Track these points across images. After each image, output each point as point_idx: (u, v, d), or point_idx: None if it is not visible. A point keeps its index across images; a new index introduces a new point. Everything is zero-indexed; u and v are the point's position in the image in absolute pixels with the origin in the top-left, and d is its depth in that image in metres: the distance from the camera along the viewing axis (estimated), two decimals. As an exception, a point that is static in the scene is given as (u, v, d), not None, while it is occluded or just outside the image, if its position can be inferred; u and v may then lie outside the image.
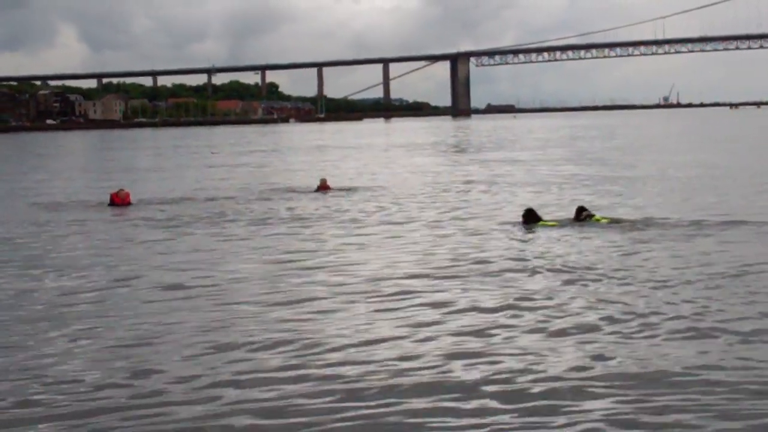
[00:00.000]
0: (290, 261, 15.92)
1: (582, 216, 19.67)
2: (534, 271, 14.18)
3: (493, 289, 13.00)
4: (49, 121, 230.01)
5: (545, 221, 19.58)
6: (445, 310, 11.76)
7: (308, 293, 12.97)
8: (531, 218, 19.60)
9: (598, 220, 19.44)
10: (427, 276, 14.12)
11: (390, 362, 9.45)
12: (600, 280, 13.38)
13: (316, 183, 30.82)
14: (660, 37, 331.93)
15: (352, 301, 12.40)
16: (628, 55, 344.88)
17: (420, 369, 9.19)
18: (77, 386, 8.91)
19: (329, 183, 30.53)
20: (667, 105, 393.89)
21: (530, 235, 18.31)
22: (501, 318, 11.23)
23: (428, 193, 29.19)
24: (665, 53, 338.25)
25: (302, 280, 14.02)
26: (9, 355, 10.10)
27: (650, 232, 18.18)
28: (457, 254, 16.09)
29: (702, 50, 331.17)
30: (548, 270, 14.26)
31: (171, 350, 10.13)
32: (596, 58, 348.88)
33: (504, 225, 19.98)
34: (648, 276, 13.58)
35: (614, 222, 19.43)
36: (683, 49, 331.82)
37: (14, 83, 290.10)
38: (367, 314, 11.65)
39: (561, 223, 19.44)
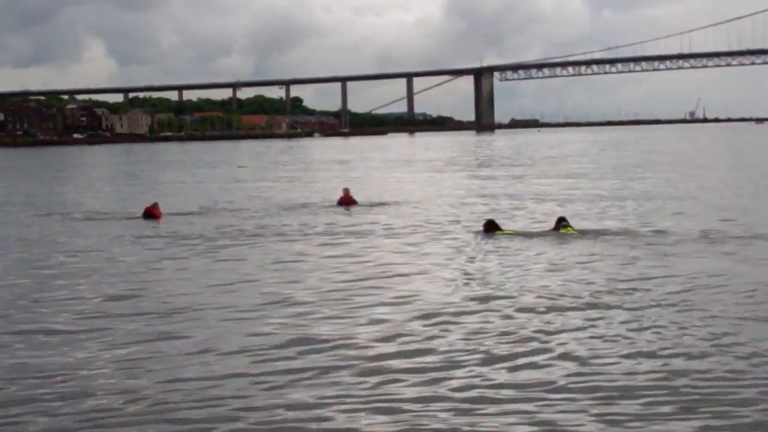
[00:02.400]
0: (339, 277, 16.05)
1: (560, 226, 21.05)
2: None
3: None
4: (76, 135, 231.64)
5: (503, 231, 21.23)
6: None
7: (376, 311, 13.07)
8: (491, 228, 21.32)
9: (567, 231, 20.76)
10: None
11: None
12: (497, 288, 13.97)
13: (339, 194, 30.97)
14: (686, 51, 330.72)
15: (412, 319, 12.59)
16: (654, 70, 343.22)
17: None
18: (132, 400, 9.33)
19: (353, 195, 30.58)
20: (693, 120, 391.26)
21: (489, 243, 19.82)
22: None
23: (450, 207, 29.47)
24: (691, 67, 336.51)
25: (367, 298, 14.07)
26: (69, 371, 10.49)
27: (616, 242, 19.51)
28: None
29: (728, 64, 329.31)
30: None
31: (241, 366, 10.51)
32: (621, 72, 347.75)
33: (470, 234, 21.45)
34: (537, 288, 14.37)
35: (581, 233, 20.72)
36: (710, 63, 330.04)
37: (42, 97, 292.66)
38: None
39: (517, 233, 21.06)
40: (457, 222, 24.58)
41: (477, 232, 21.56)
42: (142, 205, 28.70)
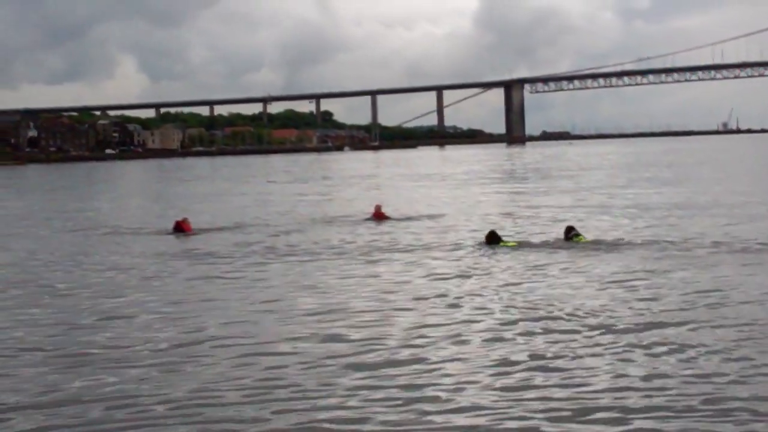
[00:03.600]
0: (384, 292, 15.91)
1: (570, 235, 21.35)
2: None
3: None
4: (108, 151, 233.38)
5: (505, 242, 21.42)
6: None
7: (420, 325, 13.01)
8: (493, 239, 21.44)
9: (579, 240, 21.02)
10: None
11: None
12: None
13: (371, 210, 31.00)
14: (718, 61, 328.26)
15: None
16: (686, 81, 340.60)
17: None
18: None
19: (384, 210, 30.60)
20: (726, 131, 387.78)
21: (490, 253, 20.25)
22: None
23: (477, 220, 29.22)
24: (723, 78, 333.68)
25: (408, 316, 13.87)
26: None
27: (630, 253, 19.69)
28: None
29: (761, 75, 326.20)
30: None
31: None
32: (653, 83, 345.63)
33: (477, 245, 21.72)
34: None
35: (594, 243, 21.04)
36: (742, 73, 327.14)
37: (74, 113, 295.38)
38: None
39: (519, 244, 21.32)
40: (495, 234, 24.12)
41: (480, 244, 21.80)
42: (172, 220, 28.66)
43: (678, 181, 49.47)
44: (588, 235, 22.07)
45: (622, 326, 12.37)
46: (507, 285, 16.14)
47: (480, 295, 15.18)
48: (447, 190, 50.35)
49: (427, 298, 15.05)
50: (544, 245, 21.30)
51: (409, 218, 30.49)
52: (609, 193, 41.20)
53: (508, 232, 24.57)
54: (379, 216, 30.14)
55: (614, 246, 20.80)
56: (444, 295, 15.28)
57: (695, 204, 33.12)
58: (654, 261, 18.47)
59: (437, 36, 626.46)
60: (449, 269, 18.42)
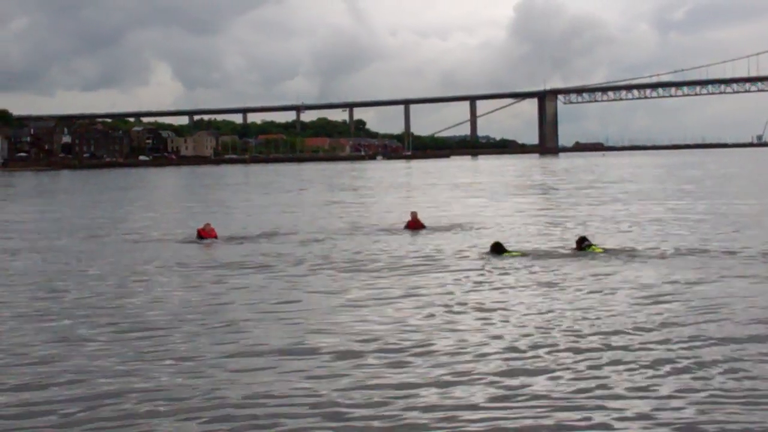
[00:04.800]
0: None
1: (583, 245, 21.67)
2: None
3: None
4: (141, 158, 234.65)
5: (510, 251, 21.60)
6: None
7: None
8: (497, 250, 21.66)
9: (594, 250, 21.35)
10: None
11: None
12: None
13: (407, 218, 30.41)
14: (753, 74, 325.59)
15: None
16: (720, 93, 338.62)
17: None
18: None
19: (420, 218, 29.95)
20: (760, 144, 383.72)
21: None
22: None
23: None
24: (759, 90, 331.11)
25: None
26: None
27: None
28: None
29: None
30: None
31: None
32: (687, 95, 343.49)
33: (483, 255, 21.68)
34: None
35: (608, 251, 21.35)
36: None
37: (109, 120, 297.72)
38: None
39: (523, 253, 21.47)
40: (529, 243, 23.65)
41: (485, 254, 21.81)
42: (197, 228, 28.15)
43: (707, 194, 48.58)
44: (608, 244, 22.55)
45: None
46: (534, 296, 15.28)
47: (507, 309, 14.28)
48: (481, 199, 49.45)
49: (467, 311, 14.15)
50: (555, 255, 21.49)
51: (445, 228, 29.60)
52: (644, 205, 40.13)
53: (538, 241, 23.93)
54: (415, 225, 29.46)
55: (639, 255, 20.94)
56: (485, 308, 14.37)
57: (715, 214, 33.48)
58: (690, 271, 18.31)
59: (472, 46, 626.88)
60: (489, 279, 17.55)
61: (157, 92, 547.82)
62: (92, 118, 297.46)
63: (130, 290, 17.48)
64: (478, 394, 9.71)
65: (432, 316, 14.15)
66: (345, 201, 50.96)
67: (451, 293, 16.32)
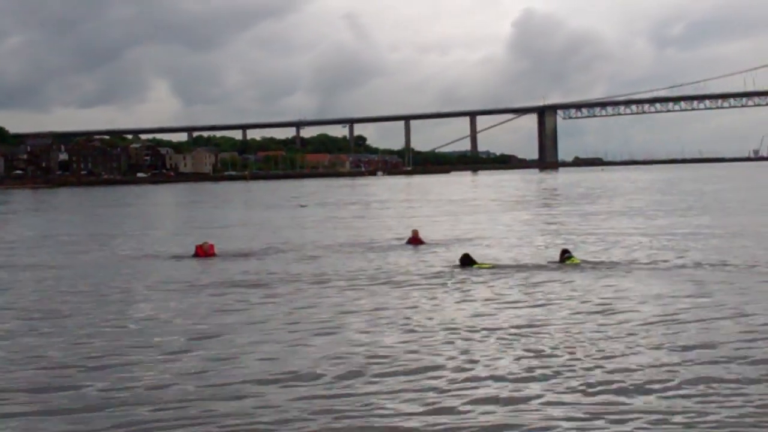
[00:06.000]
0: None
1: (564, 257, 22.17)
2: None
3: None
4: (139, 174, 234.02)
5: (480, 264, 21.94)
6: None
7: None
8: (467, 261, 21.99)
9: (573, 261, 21.86)
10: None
11: None
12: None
13: (408, 235, 30.37)
14: (750, 88, 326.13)
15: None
16: (718, 107, 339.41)
17: None
18: None
19: (421, 236, 29.86)
20: (757, 158, 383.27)
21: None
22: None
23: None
24: (756, 105, 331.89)
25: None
26: None
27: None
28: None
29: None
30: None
31: None
32: (685, 110, 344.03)
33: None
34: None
35: (584, 263, 21.88)
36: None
37: (107, 137, 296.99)
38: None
39: (495, 266, 21.80)
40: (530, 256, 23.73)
41: (455, 266, 22.07)
42: (195, 245, 27.55)
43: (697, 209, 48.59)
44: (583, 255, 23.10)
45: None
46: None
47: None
48: (481, 215, 49.19)
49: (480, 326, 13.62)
50: (527, 267, 21.87)
51: (444, 244, 29.30)
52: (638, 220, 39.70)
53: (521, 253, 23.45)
54: (416, 241, 29.38)
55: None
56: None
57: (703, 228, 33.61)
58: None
59: (472, 62, 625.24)
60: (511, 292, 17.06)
61: (155, 109, 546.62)
62: (90, 135, 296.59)
63: (124, 314, 16.87)
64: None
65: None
66: (345, 217, 50.53)
67: (415, 307, 16.43)
